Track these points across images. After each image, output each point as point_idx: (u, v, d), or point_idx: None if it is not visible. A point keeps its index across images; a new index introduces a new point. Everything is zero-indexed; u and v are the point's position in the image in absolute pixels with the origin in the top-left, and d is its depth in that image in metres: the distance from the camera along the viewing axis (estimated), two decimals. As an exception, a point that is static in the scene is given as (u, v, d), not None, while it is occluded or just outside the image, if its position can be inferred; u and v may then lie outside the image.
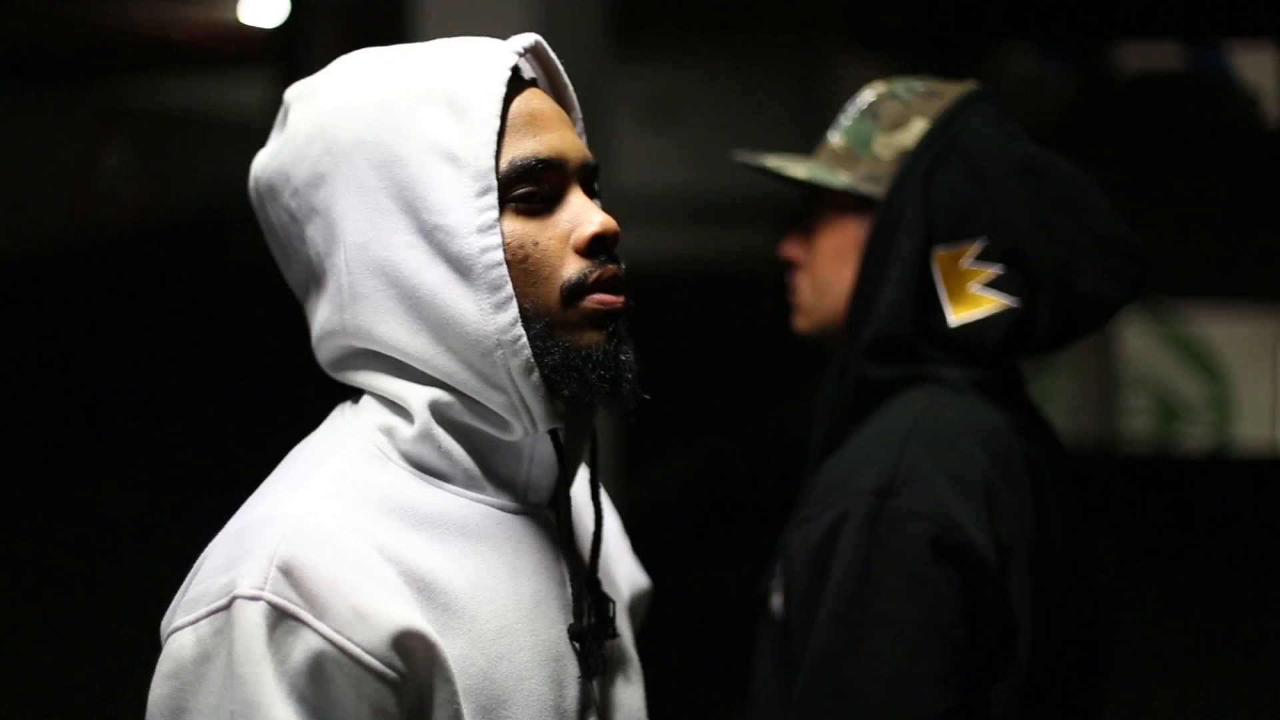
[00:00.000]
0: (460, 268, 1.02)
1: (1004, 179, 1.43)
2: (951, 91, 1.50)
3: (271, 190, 1.11)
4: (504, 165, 1.04)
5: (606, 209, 1.11)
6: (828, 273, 1.52)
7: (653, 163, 13.83)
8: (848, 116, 1.54)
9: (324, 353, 1.11)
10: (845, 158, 1.51)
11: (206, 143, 10.99)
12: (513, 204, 1.05)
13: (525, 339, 1.03)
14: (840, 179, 1.49)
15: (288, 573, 0.98)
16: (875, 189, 1.47)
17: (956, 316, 1.44)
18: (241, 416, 6.93)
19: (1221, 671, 4.66)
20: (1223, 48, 7.63)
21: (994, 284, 1.44)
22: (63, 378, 8.10)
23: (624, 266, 1.12)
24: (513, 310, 1.02)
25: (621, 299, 1.07)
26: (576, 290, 1.05)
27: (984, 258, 1.43)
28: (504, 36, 1.12)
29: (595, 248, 1.06)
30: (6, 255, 9.18)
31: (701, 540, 6.09)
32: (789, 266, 1.58)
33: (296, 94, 1.12)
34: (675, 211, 13.80)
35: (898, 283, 1.43)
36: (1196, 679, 4.59)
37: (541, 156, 1.05)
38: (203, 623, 0.99)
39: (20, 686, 4.51)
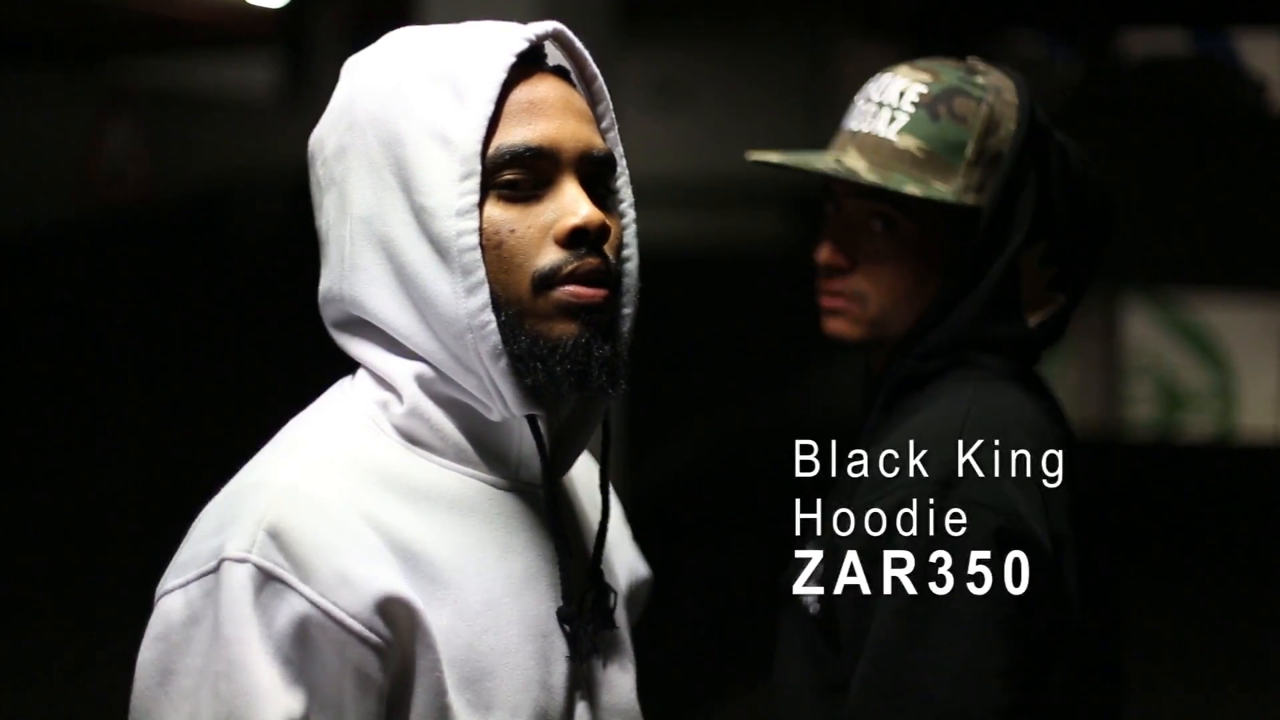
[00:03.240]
0: (439, 249, 1.03)
1: (1061, 178, 1.44)
2: (1004, 82, 1.48)
3: (311, 156, 1.13)
4: (491, 150, 1.05)
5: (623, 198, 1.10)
6: (911, 285, 1.46)
7: (659, 147, 13.83)
8: (900, 111, 1.46)
9: (326, 314, 1.14)
10: (931, 164, 1.44)
11: (211, 123, 10.99)
12: (497, 190, 1.05)
13: (494, 324, 1.03)
14: (943, 192, 1.43)
15: (275, 537, 0.99)
16: (977, 200, 1.44)
17: (1031, 319, 1.45)
18: (243, 397, 6.95)
19: (1224, 662, 4.67)
20: (1229, 34, 7.62)
21: (1052, 285, 1.45)
22: (65, 357, 8.11)
23: (624, 262, 1.11)
24: (483, 295, 1.03)
25: (601, 293, 1.06)
26: (548, 280, 1.05)
27: (1048, 259, 1.44)
28: (508, 18, 1.11)
29: (575, 239, 1.05)
30: (11, 234, 9.19)
31: (709, 526, 6.10)
32: (831, 272, 1.49)
33: (346, 67, 1.14)
34: (682, 195, 13.80)
35: (990, 285, 1.42)
36: (1199, 669, 4.60)
37: (531, 144, 1.05)
38: (192, 585, 1.01)
39: (19, 663, 4.53)
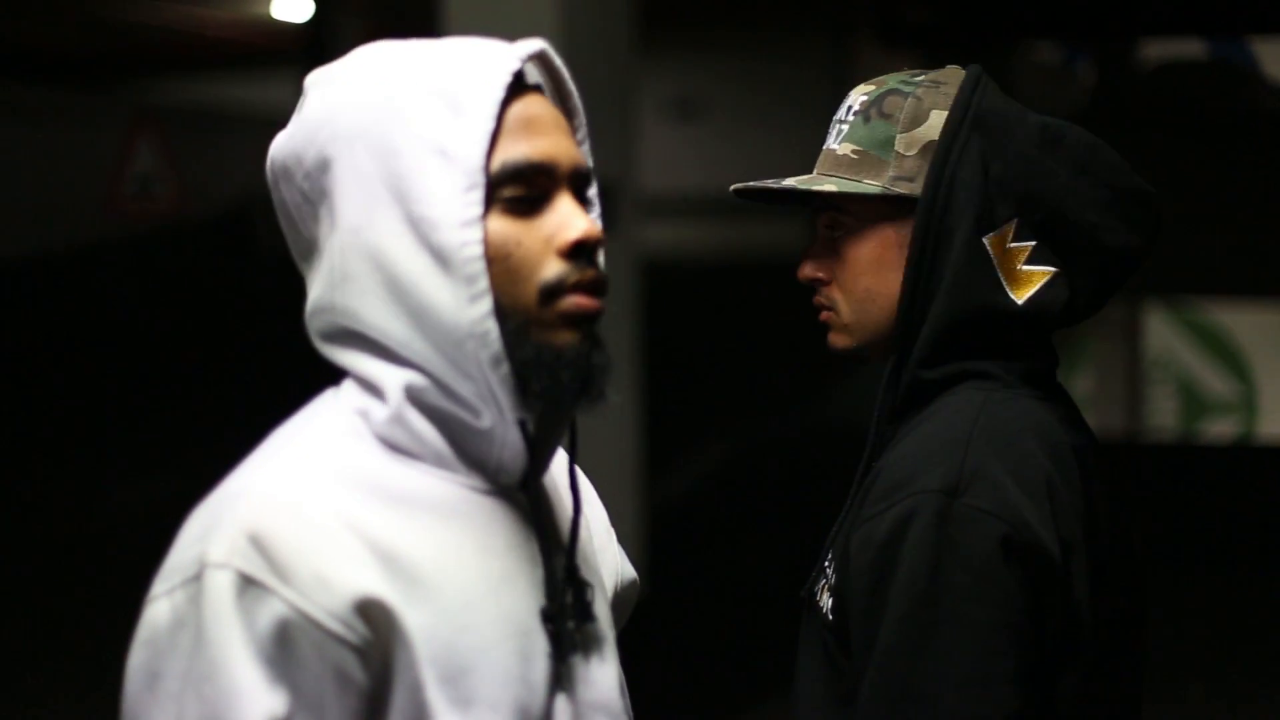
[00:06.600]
0: (441, 258, 1.07)
1: (1028, 152, 1.45)
2: (952, 76, 1.50)
3: (285, 171, 1.16)
4: (495, 166, 1.09)
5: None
6: (870, 283, 1.49)
7: (679, 158, 13.88)
8: (844, 122, 1.51)
9: (314, 325, 1.16)
10: (864, 163, 1.48)
11: (237, 139, 11.07)
12: (500, 204, 1.09)
13: (496, 332, 1.07)
14: (871, 186, 1.47)
15: (255, 542, 1.03)
16: (911, 188, 1.46)
17: (1018, 296, 1.45)
18: (271, 410, 7.01)
19: (1248, 662, 4.68)
20: (1246, 39, 7.62)
21: (1032, 259, 1.45)
22: (95, 373, 8.19)
23: (604, 273, 1.15)
24: (486, 304, 1.07)
25: (598, 302, 1.11)
26: (555, 291, 1.09)
27: (1019, 236, 1.45)
28: (529, 33, 1.17)
29: (577, 252, 1.10)
30: (40, 253, 9.29)
31: (728, 536, 6.13)
32: (816, 286, 1.54)
33: (314, 80, 1.17)
34: (701, 207, 13.85)
35: (955, 267, 1.43)
36: (1222, 669, 4.61)
37: (533, 160, 1.10)
38: (177, 591, 1.04)
39: (30, 678, 4.58)
